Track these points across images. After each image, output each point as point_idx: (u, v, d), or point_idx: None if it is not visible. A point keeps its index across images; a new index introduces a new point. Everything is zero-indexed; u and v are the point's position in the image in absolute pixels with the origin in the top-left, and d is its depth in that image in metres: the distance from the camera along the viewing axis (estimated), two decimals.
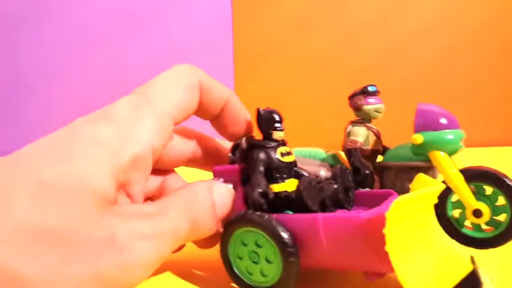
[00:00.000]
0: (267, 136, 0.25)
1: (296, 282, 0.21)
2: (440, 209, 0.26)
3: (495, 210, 0.25)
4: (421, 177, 0.22)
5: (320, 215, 0.21)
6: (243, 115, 0.26)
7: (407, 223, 0.20)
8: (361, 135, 0.28)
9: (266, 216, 0.22)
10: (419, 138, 0.25)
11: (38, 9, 0.79)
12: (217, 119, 0.26)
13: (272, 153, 0.24)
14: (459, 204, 0.26)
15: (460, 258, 0.21)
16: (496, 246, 0.24)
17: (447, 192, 0.25)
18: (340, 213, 0.22)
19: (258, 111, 0.25)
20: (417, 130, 0.26)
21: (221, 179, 0.25)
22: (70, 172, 0.18)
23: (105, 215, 0.18)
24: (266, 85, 0.82)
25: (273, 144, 0.25)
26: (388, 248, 0.18)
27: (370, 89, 0.29)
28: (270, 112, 0.25)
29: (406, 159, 0.27)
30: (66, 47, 0.81)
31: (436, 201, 0.22)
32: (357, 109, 0.29)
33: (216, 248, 0.24)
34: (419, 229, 0.21)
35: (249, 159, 0.25)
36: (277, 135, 0.25)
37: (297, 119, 0.79)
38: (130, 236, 0.18)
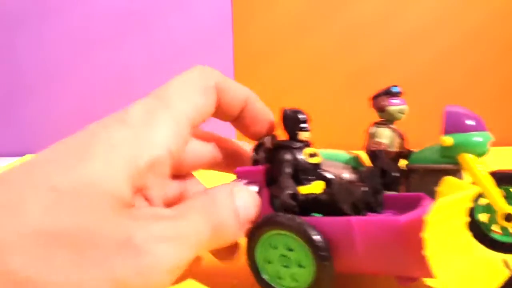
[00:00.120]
0: (293, 137, 0.24)
1: (332, 283, 0.20)
2: (468, 214, 0.25)
3: None
4: (449, 180, 0.22)
5: (354, 218, 0.20)
6: (264, 114, 0.26)
7: (444, 227, 0.19)
8: (386, 137, 0.28)
9: (297, 219, 0.21)
10: (448, 140, 0.25)
11: (38, 9, 0.79)
12: (238, 120, 0.25)
13: (298, 154, 0.24)
14: (487, 208, 0.25)
15: (495, 263, 0.21)
16: None
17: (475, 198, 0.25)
18: (373, 216, 0.21)
19: (284, 110, 0.24)
20: (446, 132, 0.25)
21: (245, 181, 0.24)
22: (84, 175, 0.17)
23: (121, 218, 0.17)
24: (266, 85, 0.82)
25: (299, 144, 0.24)
26: (427, 252, 0.18)
27: (394, 89, 0.28)
28: (296, 112, 0.24)
29: (433, 161, 0.26)
30: (66, 47, 0.81)
31: (471, 204, 0.21)
32: (380, 110, 0.28)
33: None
34: (454, 233, 0.20)
35: (275, 160, 0.24)
36: (303, 135, 0.24)
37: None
38: (147, 239, 0.17)
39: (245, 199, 0.22)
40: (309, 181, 0.24)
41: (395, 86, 0.29)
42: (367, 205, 0.23)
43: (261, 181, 0.24)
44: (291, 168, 0.23)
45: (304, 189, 0.23)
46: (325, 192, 0.22)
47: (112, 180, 0.17)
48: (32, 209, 0.16)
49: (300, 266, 0.21)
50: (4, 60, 0.80)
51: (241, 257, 0.23)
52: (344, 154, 0.29)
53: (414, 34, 0.83)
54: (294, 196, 0.22)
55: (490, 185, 0.24)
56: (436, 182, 0.25)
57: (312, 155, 0.24)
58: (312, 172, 0.24)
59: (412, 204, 0.22)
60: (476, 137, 0.25)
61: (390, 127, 0.28)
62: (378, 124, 0.29)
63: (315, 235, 0.20)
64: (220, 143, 0.27)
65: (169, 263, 0.17)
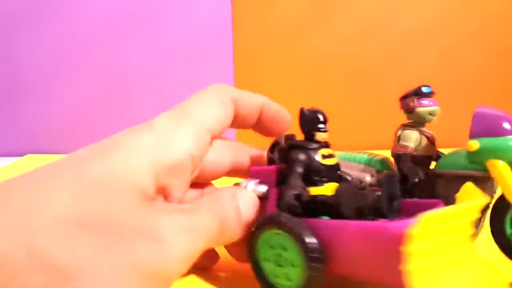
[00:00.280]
0: (309, 137, 0.24)
1: (321, 286, 0.20)
2: (497, 226, 0.23)
3: None
4: (468, 187, 0.20)
5: (347, 222, 0.20)
6: (281, 115, 0.26)
7: (439, 240, 0.18)
8: (413, 140, 0.26)
9: (295, 219, 0.21)
10: (474, 145, 0.23)
11: (38, 9, 0.79)
12: (257, 125, 0.27)
13: (313, 155, 0.24)
14: None
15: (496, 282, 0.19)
16: None
17: (506, 207, 0.22)
18: (369, 222, 0.21)
19: (302, 110, 0.25)
20: (473, 135, 0.23)
21: (256, 180, 0.25)
22: (112, 169, 0.19)
23: (144, 209, 0.19)
24: (266, 85, 0.81)
25: (314, 145, 0.24)
26: (408, 266, 0.17)
27: (424, 90, 0.26)
28: (314, 112, 0.25)
29: (460, 167, 0.24)
30: (66, 47, 0.80)
31: (478, 215, 0.19)
32: (409, 111, 0.27)
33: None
34: (452, 248, 0.19)
35: (288, 160, 0.24)
36: (320, 136, 0.24)
37: (297, 119, 0.81)
38: (168, 228, 0.19)
39: (246, 201, 0.23)
40: (322, 182, 0.24)
41: (426, 85, 0.27)
42: (377, 210, 0.22)
43: (272, 181, 0.25)
44: (303, 168, 0.23)
45: (315, 190, 0.23)
46: (334, 194, 0.22)
47: (137, 174, 0.19)
48: (61, 196, 0.17)
49: (292, 265, 0.21)
50: (4, 60, 0.80)
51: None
52: (364, 156, 0.28)
53: (415, 34, 0.82)
54: (299, 196, 0.22)
55: None
56: None
57: (328, 156, 0.24)
58: (328, 173, 0.24)
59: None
60: (509, 142, 0.22)
61: (419, 130, 0.27)
62: (405, 126, 0.27)
63: (306, 235, 0.20)
64: (240, 150, 0.28)
65: (185, 251, 0.19)
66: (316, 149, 0.24)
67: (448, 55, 0.83)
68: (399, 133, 0.27)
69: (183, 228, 0.19)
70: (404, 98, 0.27)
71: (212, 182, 0.27)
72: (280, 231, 0.22)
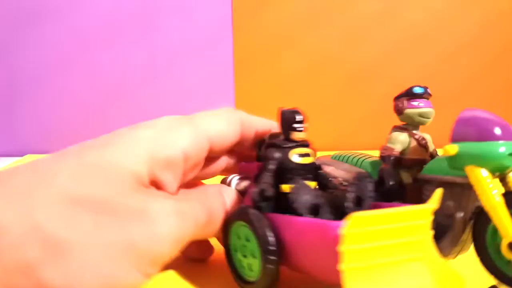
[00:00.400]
0: (287, 136, 0.25)
1: (276, 279, 0.21)
2: (479, 240, 0.21)
3: None
4: (437, 193, 0.19)
5: (295, 219, 0.20)
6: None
7: (377, 243, 0.18)
8: (400, 142, 0.25)
9: (257, 213, 0.22)
10: (452, 149, 0.22)
11: (38, 9, 0.78)
12: None
13: (286, 153, 0.25)
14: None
15: None
16: None
17: (487, 218, 0.21)
18: (312, 219, 0.21)
19: (281, 110, 0.25)
20: (454, 139, 0.22)
21: (239, 176, 0.26)
22: (110, 155, 0.20)
23: (139, 192, 0.20)
24: (266, 85, 0.81)
25: (290, 144, 0.25)
26: (343, 266, 0.17)
27: (415, 90, 0.25)
28: (292, 112, 0.25)
29: (445, 173, 0.23)
30: (66, 48, 0.80)
31: (429, 221, 0.18)
32: (399, 112, 0.26)
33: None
34: (395, 253, 0.18)
35: (264, 158, 0.25)
36: (296, 135, 0.25)
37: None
38: (160, 211, 0.20)
39: (230, 197, 0.25)
40: (293, 180, 0.24)
41: (419, 86, 0.26)
42: (338, 209, 0.22)
43: (254, 177, 0.26)
44: (275, 166, 0.24)
45: (285, 187, 0.24)
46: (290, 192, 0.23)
47: (133, 162, 0.20)
48: (62, 176, 0.19)
49: (254, 256, 0.22)
50: (4, 60, 0.79)
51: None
52: (357, 158, 0.28)
53: (415, 35, 0.81)
54: (262, 192, 0.23)
55: (498, 204, 0.20)
56: (451, 197, 0.23)
57: (303, 155, 0.25)
58: (302, 172, 0.24)
59: None
60: (491, 147, 0.21)
61: (409, 132, 0.26)
62: (396, 128, 0.26)
63: (262, 229, 0.21)
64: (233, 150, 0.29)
65: (174, 234, 0.20)
66: (290, 148, 0.24)
67: (447, 56, 0.82)
68: (389, 135, 0.26)
69: (173, 212, 0.21)
70: (396, 99, 0.26)
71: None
72: (244, 224, 0.23)
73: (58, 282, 0.17)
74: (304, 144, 0.25)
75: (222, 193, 0.25)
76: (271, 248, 0.21)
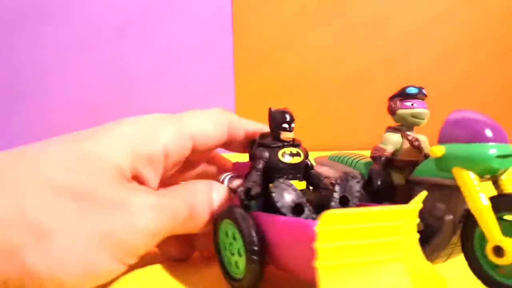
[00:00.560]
0: (276, 136, 0.25)
1: (259, 278, 0.21)
2: (467, 243, 0.21)
3: None
4: (422, 195, 0.19)
5: (275, 217, 0.21)
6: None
7: (353, 242, 0.18)
8: (391, 143, 0.25)
9: (243, 212, 0.23)
10: (438, 150, 0.21)
11: (38, 9, 0.79)
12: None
13: (275, 153, 0.25)
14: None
15: None
16: None
17: (475, 222, 0.21)
18: (291, 218, 0.21)
19: (270, 110, 0.26)
20: (441, 140, 0.22)
21: (232, 175, 0.27)
22: (94, 147, 0.21)
23: (121, 185, 0.21)
24: (266, 85, 0.81)
25: (278, 144, 0.25)
26: (317, 264, 0.17)
27: (408, 91, 0.25)
28: (281, 112, 0.25)
29: (434, 174, 0.23)
30: (66, 48, 0.80)
31: (408, 222, 0.18)
32: (391, 113, 0.26)
33: None
34: (372, 253, 0.18)
35: (254, 157, 0.26)
36: (284, 135, 0.25)
37: (297, 119, 0.80)
38: (140, 204, 0.21)
39: (220, 194, 0.25)
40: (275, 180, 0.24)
41: (413, 86, 0.25)
42: (324, 208, 0.22)
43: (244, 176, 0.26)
44: (263, 165, 0.25)
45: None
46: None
47: (116, 155, 0.22)
48: (49, 165, 0.20)
49: (240, 255, 0.23)
50: (5, 60, 0.80)
51: None
52: (352, 158, 0.28)
53: (414, 35, 0.82)
54: (247, 191, 0.23)
55: (483, 207, 0.19)
56: (441, 199, 0.23)
57: (291, 155, 0.25)
58: (290, 171, 0.25)
59: None
60: (479, 149, 0.20)
61: (403, 133, 0.25)
62: (390, 128, 0.26)
63: (246, 228, 0.22)
64: (211, 158, 0.30)
65: (151, 226, 0.21)
66: (279, 148, 0.24)
67: (448, 55, 0.83)
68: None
69: (152, 206, 0.21)
70: (390, 99, 0.26)
71: None
72: (231, 222, 0.23)
73: (40, 266, 0.18)
74: (293, 144, 0.25)
75: (211, 190, 0.25)
76: (255, 248, 0.21)
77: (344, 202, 0.23)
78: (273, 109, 0.26)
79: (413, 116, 0.25)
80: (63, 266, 0.19)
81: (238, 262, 0.23)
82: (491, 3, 0.83)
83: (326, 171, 0.28)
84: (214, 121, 0.26)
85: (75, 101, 0.82)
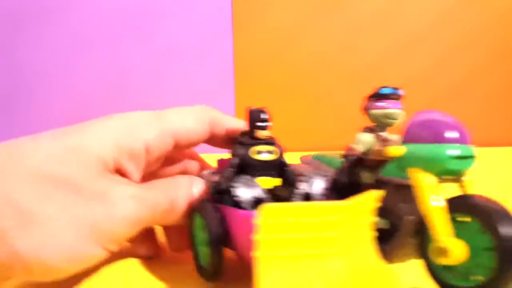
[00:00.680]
0: (251, 134, 0.26)
1: (219, 266, 0.23)
2: (422, 244, 0.21)
3: (478, 254, 0.18)
4: (369, 193, 0.20)
5: (235, 210, 0.22)
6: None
7: (294, 235, 0.18)
8: (362, 143, 0.25)
9: (209, 205, 0.24)
10: (394, 151, 0.21)
11: (38, 9, 0.79)
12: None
13: (248, 151, 0.26)
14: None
15: None
16: None
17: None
18: (243, 211, 0.22)
19: (248, 110, 0.27)
20: (405, 140, 0.22)
21: (212, 171, 0.28)
22: (79, 140, 0.23)
23: (103, 176, 0.23)
24: (266, 85, 0.80)
25: (252, 141, 0.26)
26: (257, 254, 0.18)
27: (381, 91, 0.25)
28: (257, 111, 0.26)
29: (397, 174, 0.23)
30: (66, 48, 0.80)
31: (358, 218, 0.19)
32: (365, 113, 0.26)
33: None
34: (314, 246, 0.18)
35: (232, 154, 0.27)
36: (259, 133, 0.26)
37: (297, 119, 0.77)
38: (120, 195, 0.22)
39: (199, 189, 0.27)
40: (255, 176, 0.26)
41: (387, 87, 0.25)
42: None
43: None
44: (237, 161, 0.26)
45: None
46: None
47: (100, 149, 0.23)
48: (37, 155, 0.21)
49: (206, 245, 0.24)
50: (5, 60, 0.81)
51: None
52: (335, 158, 0.28)
53: (414, 35, 0.81)
54: (216, 185, 0.25)
55: (434, 210, 0.19)
56: (403, 199, 0.23)
57: (263, 152, 0.26)
58: (263, 168, 0.26)
59: None
60: (436, 149, 0.20)
61: (376, 133, 0.25)
62: (366, 129, 0.26)
63: (209, 218, 0.23)
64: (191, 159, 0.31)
65: (131, 216, 0.23)
66: (252, 145, 0.25)
67: (448, 54, 0.82)
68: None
69: (132, 196, 0.23)
70: (365, 99, 0.26)
71: None
72: (200, 215, 0.24)
73: (27, 249, 0.20)
74: (268, 141, 0.26)
75: (192, 185, 0.26)
76: (215, 238, 0.22)
77: (307, 199, 0.23)
78: (251, 108, 0.27)
79: (386, 116, 0.25)
80: (49, 250, 0.20)
81: (206, 253, 0.24)
82: (491, 3, 0.82)
83: (304, 170, 0.28)
84: (195, 118, 0.27)
85: (74, 101, 0.82)
